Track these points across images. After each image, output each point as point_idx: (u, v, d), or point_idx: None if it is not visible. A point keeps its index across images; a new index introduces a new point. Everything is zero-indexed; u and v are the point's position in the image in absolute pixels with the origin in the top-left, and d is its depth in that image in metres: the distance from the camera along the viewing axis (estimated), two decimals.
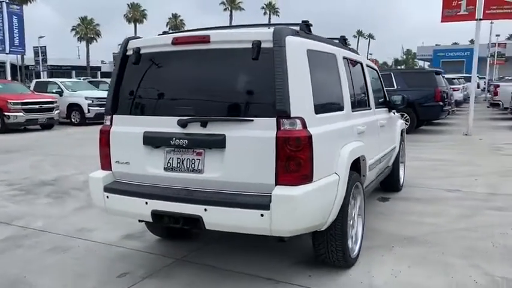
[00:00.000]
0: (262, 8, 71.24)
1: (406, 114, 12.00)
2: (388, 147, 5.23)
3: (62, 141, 12.60)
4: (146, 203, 3.16)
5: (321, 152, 3.00)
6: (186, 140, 3.09)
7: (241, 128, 2.96)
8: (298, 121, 2.88)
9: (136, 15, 63.06)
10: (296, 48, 2.98)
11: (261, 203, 2.84)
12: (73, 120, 16.69)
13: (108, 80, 16.39)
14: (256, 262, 3.76)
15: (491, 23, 32.52)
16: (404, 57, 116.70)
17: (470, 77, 14.43)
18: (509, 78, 22.97)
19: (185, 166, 3.15)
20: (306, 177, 2.89)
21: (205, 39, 3.12)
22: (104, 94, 16.09)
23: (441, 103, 12.25)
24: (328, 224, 3.16)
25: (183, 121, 3.09)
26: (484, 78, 31.97)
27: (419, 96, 11.98)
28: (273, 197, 2.80)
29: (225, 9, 65.20)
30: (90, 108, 16.22)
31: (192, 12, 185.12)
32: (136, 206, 3.24)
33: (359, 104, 4.13)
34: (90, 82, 22.06)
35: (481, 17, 12.11)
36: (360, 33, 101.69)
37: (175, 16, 68.10)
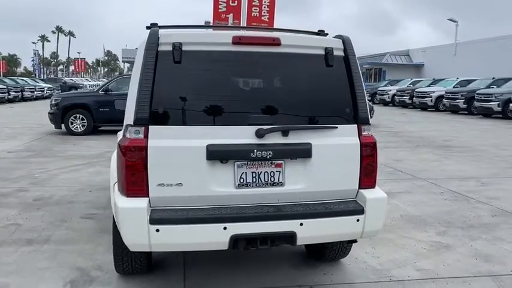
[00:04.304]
0: None
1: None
2: None
3: None
4: (225, 228, 2.67)
5: None
6: (270, 152, 2.79)
7: (326, 135, 2.93)
8: (370, 127, 3.09)
9: None
10: None
11: (357, 208, 2.91)
12: None
13: None
14: (261, 275, 3.66)
15: None
16: (106, 58, 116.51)
17: None
18: None
19: (263, 180, 2.84)
20: (376, 179, 3.13)
21: (276, 42, 2.89)
22: None
23: None
24: None
25: (264, 131, 2.78)
26: None
27: None
28: (368, 201, 2.93)
29: None
30: None
31: None
32: (208, 234, 2.68)
33: None
34: None
35: None
36: (59, 30, 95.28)
37: None
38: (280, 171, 2.88)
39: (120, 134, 3.92)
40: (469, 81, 24.09)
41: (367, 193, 2.99)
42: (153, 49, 2.75)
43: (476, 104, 20.27)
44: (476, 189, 6.74)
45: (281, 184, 2.88)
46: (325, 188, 2.96)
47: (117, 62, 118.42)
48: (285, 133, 2.85)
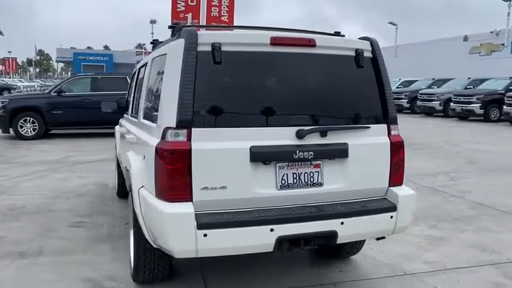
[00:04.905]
0: None
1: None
2: None
3: None
4: (272, 229, 2.63)
5: None
6: (311, 152, 2.79)
7: (360, 135, 2.98)
8: (397, 126, 3.18)
9: None
10: None
11: (390, 205, 2.98)
12: None
13: None
14: (282, 276, 3.64)
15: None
16: (39, 57, 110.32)
17: None
18: None
19: (303, 181, 2.83)
20: (403, 177, 3.22)
21: (312, 43, 2.90)
22: None
23: None
24: None
25: (305, 132, 2.77)
26: None
27: None
28: (400, 198, 3.01)
29: None
30: None
31: None
32: (255, 236, 2.64)
33: None
34: None
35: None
36: None
37: None
38: (319, 172, 2.89)
39: (130, 137, 3.72)
40: (411, 82, 25.42)
41: (397, 190, 3.06)
42: (193, 49, 2.66)
43: (419, 103, 21.44)
44: (447, 183, 7.13)
45: (320, 184, 2.89)
46: (360, 187, 3.00)
47: (51, 61, 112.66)
48: (324, 134, 2.86)
